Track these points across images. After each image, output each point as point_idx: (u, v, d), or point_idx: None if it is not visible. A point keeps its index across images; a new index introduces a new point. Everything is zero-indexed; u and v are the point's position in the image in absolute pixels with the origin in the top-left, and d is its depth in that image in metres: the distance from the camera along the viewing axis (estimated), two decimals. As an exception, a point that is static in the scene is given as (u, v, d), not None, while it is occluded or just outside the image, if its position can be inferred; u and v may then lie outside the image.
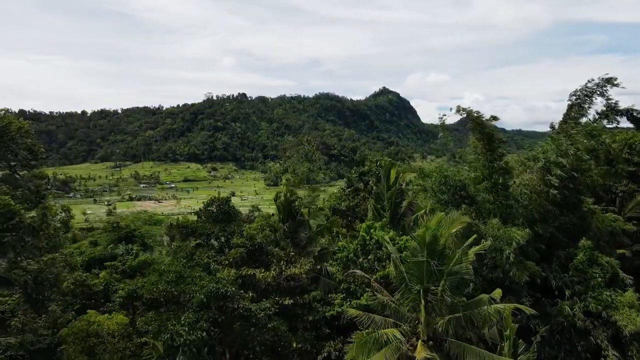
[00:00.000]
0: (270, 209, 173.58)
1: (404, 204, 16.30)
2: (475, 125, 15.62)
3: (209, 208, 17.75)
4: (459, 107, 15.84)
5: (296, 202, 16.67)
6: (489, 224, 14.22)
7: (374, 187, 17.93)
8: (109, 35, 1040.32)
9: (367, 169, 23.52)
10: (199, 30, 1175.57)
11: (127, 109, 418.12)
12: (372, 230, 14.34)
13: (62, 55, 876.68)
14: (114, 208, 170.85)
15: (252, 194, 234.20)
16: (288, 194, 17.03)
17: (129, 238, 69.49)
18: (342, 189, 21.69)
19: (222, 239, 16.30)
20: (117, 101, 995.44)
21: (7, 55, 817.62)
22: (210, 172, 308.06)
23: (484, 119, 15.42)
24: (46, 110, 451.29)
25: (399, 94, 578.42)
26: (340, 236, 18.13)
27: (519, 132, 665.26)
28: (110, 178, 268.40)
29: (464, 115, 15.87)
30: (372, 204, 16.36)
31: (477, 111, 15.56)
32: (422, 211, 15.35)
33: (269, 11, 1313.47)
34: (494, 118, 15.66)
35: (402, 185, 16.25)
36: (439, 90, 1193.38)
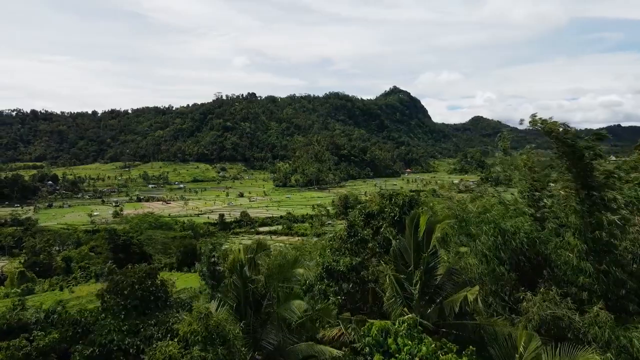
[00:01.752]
0: (278, 210, 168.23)
1: (440, 270, 10.25)
2: (560, 147, 9.62)
3: (120, 289, 11.11)
4: (534, 116, 10.03)
5: (257, 283, 10.18)
6: (589, 318, 8.27)
7: (393, 242, 11.85)
8: (121, 36, 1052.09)
9: (377, 209, 15.50)
10: (210, 30, 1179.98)
11: (137, 109, 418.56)
12: (390, 339, 7.97)
13: (74, 56, 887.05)
14: (121, 210, 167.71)
15: (261, 195, 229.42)
16: (245, 269, 9.96)
17: (127, 246, 64.84)
18: (340, 237, 14.39)
19: (132, 350, 10.13)
20: (129, 101, 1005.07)
21: (20, 56, 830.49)
22: (219, 173, 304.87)
23: (576, 138, 9.46)
24: (58, 110, 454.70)
25: (409, 93, 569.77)
26: (341, 323, 11.67)
27: (532, 131, 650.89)
28: (119, 178, 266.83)
29: (541, 129, 9.94)
30: (391, 273, 10.22)
31: (563, 124, 9.59)
32: (476, 288, 9.24)
33: (280, 11, 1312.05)
34: (599, 137, 9.58)
35: (437, 244, 10.03)
36: (450, 89, 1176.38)
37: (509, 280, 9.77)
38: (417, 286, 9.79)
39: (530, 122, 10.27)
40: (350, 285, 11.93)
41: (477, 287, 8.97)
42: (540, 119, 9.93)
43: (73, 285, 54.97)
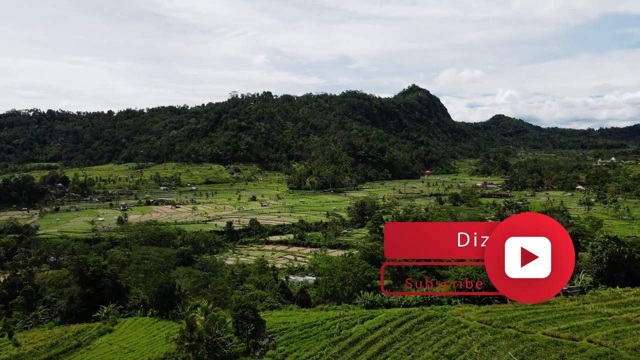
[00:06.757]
0: (291, 217, 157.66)
1: None
2: None
3: None
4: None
5: None
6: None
7: None
8: (144, 36, 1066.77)
9: None
10: (229, 29, 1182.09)
11: (153, 109, 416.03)
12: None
13: (98, 57, 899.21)
14: (126, 216, 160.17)
15: (274, 198, 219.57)
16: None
17: (97, 279, 53.49)
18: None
19: None
20: (151, 101, 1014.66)
21: (47, 56, 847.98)
22: (232, 174, 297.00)
23: None
24: (79, 110, 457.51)
25: (428, 92, 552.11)
26: None
27: (555, 130, 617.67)
28: (131, 180, 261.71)
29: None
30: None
31: None
32: None
33: (298, 9, 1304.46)
34: None
35: None
36: (470, 86, 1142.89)
37: None
38: None
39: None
40: None
41: None
42: None
43: (31, 327, 45.37)
